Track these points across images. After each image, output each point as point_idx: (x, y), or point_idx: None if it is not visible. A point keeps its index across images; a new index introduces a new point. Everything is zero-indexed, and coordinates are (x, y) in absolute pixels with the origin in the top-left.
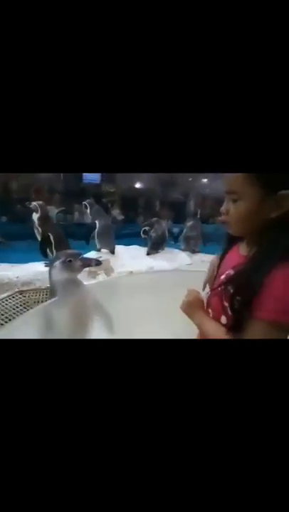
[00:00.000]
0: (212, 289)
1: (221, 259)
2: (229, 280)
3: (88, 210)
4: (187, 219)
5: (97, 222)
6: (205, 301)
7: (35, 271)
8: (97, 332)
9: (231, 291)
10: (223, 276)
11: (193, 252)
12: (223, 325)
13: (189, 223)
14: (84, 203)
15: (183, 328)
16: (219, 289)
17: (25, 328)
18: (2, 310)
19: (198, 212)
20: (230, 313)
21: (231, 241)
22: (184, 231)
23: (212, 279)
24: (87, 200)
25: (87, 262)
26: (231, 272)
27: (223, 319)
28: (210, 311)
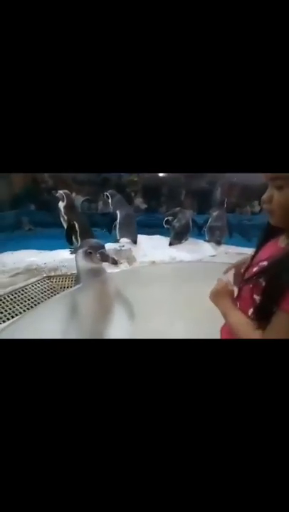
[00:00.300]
0: (243, 280)
1: (257, 250)
2: (262, 271)
3: (110, 201)
4: (212, 208)
5: (118, 212)
6: (235, 291)
7: (61, 258)
8: (118, 319)
9: (263, 283)
10: (256, 268)
11: (218, 243)
12: (250, 317)
13: (215, 213)
14: (106, 193)
15: (204, 319)
16: (250, 280)
17: (51, 313)
18: (31, 294)
19: (225, 201)
20: (258, 305)
21: (271, 232)
22: (209, 221)
23: (240, 266)
24: (109, 191)
25: (105, 258)
26: (265, 263)
27: (251, 311)
28: (238, 302)
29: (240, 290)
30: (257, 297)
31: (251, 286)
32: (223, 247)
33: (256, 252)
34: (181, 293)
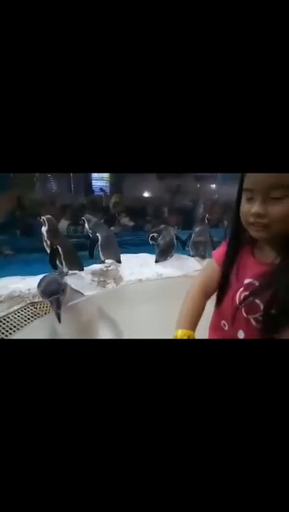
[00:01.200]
0: (227, 302)
1: (228, 265)
2: (254, 292)
3: (86, 225)
4: (195, 224)
5: (98, 235)
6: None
7: None
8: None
9: (261, 305)
10: (242, 289)
11: (203, 257)
12: (239, 340)
13: (197, 229)
14: (82, 217)
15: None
16: (238, 302)
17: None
18: (15, 322)
19: (206, 217)
20: (255, 324)
21: (238, 244)
22: (192, 236)
23: (213, 287)
24: (86, 215)
25: (54, 306)
26: (255, 282)
27: (241, 334)
28: (224, 323)
29: (222, 311)
30: (253, 316)
31: (243, 308)
32: (208, 261)
33: (228, 267)
34: (169, 308)
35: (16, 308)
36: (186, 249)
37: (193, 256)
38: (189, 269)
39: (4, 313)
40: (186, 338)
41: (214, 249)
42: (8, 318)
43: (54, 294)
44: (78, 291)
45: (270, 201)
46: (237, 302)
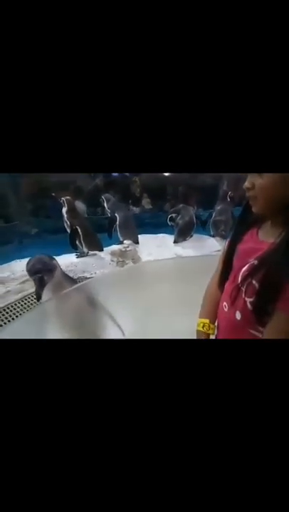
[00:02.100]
0: (230, 282)
1: (233, 245)
2: (252, 272)
3: (105, 204)
4: (217, 202)
5: (116, 215)
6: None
7: (68, 262)
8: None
9: (257, 285)
10: (244, 268)
11: (224, 237)
12: (237, 321)
13: (219, 207)
14: (102, 196)
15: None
16: (239, 281)
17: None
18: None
19: (228, 194)
20: (250, 307)
21: (246, 224)
22: (213, 215)
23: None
24: (105, 195)
25: (38, 284)
26: (255, 262)
27: (238, 315)
28: (225, 304)
29: (226, 291)
30: (249, 299)
31: (243, 288)
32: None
33: (233, 247)
34: (185, 289)
35: None
36: (207, 228)
37: (213, 236)
38: (209, 250)
39: (31, 291)
40: (201, 325)
41: None
42: (35, 295)
43: (38, 272)
44: (71, 278)
45: (256, 175)
46: (239, 281)
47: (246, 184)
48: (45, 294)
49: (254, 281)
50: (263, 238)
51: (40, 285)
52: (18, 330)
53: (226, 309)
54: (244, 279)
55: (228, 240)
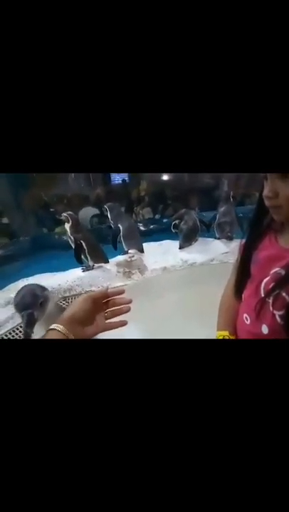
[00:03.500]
0: (250, 292)
1: (248, 252)
2: (280, 282)
3: (109, 214)
4: (220, 204)
5: (120, 225)
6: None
7: (74, 277)
8: None
9: (288, 297)
10: (268, 279)
11: (230, 238)
12: (263, 335)
13: (222, 208)
14: (104, 206)
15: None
16: (263, 293)
17: None
18: (50, 318)
19: (231, 195)
20: (279, 321)
21: (259, 230)
22: (217, 217)
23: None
24: (108, 204)
25: (27, 323)
26: (281, 272)
27: (265, 329)
28: (246, 317)
29: (247, 304)
30: (279, 312)
31: (270, 300)
32: (236, 242)
33: (248, 255)
34: (195, 298)
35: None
36: (211, 231)
37: (219, 238)
38: (215, 253)
39: None
40: (221, 338)
41: (242, 228)
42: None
43: (27, 308)
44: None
45: (279, 181)
46: (262, 294)
47: (267, 193)
48: (36, 332)
49: (283, 293)
50: (287, 246)
51: (29, 323)
52: None
53: (247, 322)
54: (271, 290)
55: (242, 246)
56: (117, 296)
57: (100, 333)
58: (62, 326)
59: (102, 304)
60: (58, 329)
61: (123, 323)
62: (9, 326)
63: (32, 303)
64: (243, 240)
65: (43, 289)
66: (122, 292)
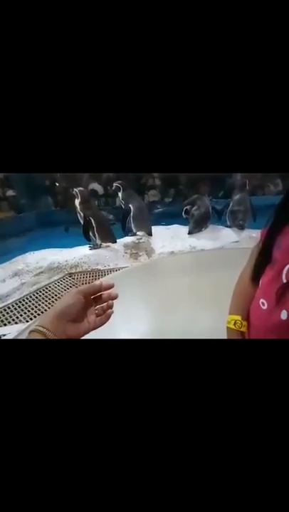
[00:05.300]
0: (270, 278)
1: (272, 236)
2: None
3: (120, 193)
4: (234, 192)
5: (131, 206)
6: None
7: (81, 254)
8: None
9: None
10: None
11: (241, 227)
12: (281, 321)
13: (236, 197)
14: (115, 184)
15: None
16: (286, 278)
17: None
18: (54, 291)
19: (247, 183)
20: None
21: (286, 215)
22: (230, 205)
23: (260, 264)
24: (119, 182)
25: None
26: None
27: (284, 314)
28: (263, 302)
29: (266, 290)
30: None
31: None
32: (247, 232)
33: (272, 240)
34: (201, 283)
35: (55, 278)
36: (223, 219)
37: (230, 227)
38: (225, 241)
39: (46, 283)
40: (232, 322)
41: (255, 218)
42: (49, 287)
43: None
44: None
45: None
46: (284, 280)
47: None
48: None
49: None
50: None
51: None
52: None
53: (264, 307)
54: None
55: (266, 230)
56: (105, 292)
57: (92, 331)
58: (43, 328)
59: (92, 299)
60: (39, 330)
61: (108, 316)
62: (16, 297)
63: None
64: (267, 226)
65: None
66: (112, 287)
